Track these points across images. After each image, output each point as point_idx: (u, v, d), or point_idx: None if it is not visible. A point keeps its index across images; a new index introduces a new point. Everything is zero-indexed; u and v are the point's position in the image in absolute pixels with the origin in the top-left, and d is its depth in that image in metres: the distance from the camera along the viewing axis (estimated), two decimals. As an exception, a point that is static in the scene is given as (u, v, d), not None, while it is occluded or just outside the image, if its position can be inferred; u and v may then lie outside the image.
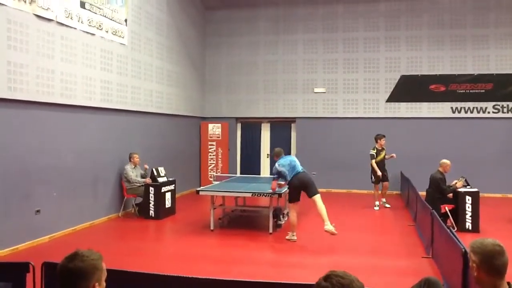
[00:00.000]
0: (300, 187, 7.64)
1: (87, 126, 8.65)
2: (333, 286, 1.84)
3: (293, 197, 7.69)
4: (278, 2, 14.22)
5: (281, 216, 8.87)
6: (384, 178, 10.90)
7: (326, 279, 1.89)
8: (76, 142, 8.32)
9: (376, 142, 11.02)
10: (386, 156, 11.03)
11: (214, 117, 14.71)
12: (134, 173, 9.65)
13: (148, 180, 9.59)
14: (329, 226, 7.35)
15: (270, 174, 8.00)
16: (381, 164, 10.87)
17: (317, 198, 7.58)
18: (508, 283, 2.38)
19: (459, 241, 4.50)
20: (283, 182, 8.05)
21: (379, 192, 11.00)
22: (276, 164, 7.90)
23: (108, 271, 2.19)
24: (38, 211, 7.34)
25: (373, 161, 10.73)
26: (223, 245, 7.58)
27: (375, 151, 10.86)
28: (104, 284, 2.14)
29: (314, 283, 1.91)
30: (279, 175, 7.79)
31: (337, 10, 13.84)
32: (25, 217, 7.10)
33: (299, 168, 7.78)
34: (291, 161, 7.86)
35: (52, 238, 7.62)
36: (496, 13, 12.89)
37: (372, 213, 10.34)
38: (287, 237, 7.73)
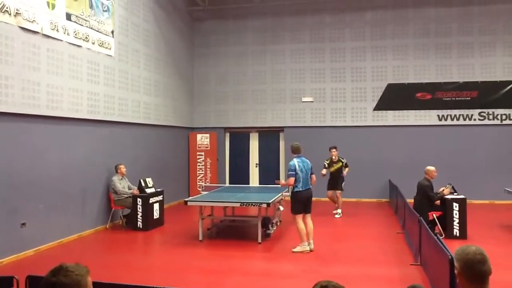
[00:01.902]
0: (304, 202, 7.66)
1: (74, 138, 8.59)
2: None
3: (299, 209, 7.65)
4: (265, 12, 14.33)
5: (270, 226, 8.85)
6: (336, 186, 11.05)
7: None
8: (63, 154, 8.26)
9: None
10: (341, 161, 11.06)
11: (202, 127, 14.71)
12: (121, 185, 9.59)
13: (135, 191, 9.55)
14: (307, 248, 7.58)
15: (288, 174, 7.67)
16: (335, 174, 11.06)
17: (310, 217, 7.76)
18: (493, 290, 2.40)
19: (446, 248, 4.52)
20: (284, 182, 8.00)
21: (334, 198, 11.16)
22: (296, 163, 7.62)
23: (96, 284, 2.16)
24: (23, 224, 7.25)
25: (324, 169, 10.88)
26: (212, 255, 7.53)
27: (328, 161, 11.09)
28: None
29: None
30: (296, 172, 7.58)
31: (324, 20, 13.98)
32: (10, 230, 7.01)
33: (310, 183, 7.78)
34: (307, 172, 7.68)
35: (38, 252, 7.52)
36: (480, 21, 13.11)
37: (362, 221, 10.35)
38: (295, 250, 7.51)
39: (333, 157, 11.08)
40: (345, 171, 11.04)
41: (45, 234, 7.77)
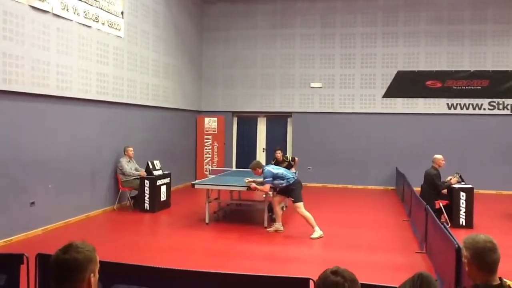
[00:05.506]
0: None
1: (83, 118, 8.62)
2: (345, 280, 1.85)
3: (301, 196, 7.82)
4: (276, -4, 14.18)
5: (276, 211, 8.87)
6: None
7: (334, 273, 1.88)
8: (72, 134, 8.30)
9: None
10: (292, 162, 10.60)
11: (210, 110, 14.70)
12: (129, 166, 9.64)
13: (142, 173, 9.60)
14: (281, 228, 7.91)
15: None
16: None
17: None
18: (500, 278, 2.39)
19: (452, 236, 4.51)
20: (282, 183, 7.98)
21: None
22: (269, 168, 7.96)
23: (103, 263, 2.18)
24: (32, 203, 7.33)
25: None
26: (218, 238, 7.59)
27: (273, 161, 10.48)
28: (97, 275, 2.13)
29: (308, 277, 1.91)
30: (275, 177, 7.76)
31: (335, 5, 13.82)
32: (19, 209, 7.09)
33: None
34: (279, 168, 8.09)
35: (46, 230, 7.61)
36: (494, 9, 12.89)
37: (368, 209, 10.36)
38: (312, 236, 7.51)
39: (278, 158, 10.51)
40: (294, 166, 10.54)
41: (53, 213, 7.86)
